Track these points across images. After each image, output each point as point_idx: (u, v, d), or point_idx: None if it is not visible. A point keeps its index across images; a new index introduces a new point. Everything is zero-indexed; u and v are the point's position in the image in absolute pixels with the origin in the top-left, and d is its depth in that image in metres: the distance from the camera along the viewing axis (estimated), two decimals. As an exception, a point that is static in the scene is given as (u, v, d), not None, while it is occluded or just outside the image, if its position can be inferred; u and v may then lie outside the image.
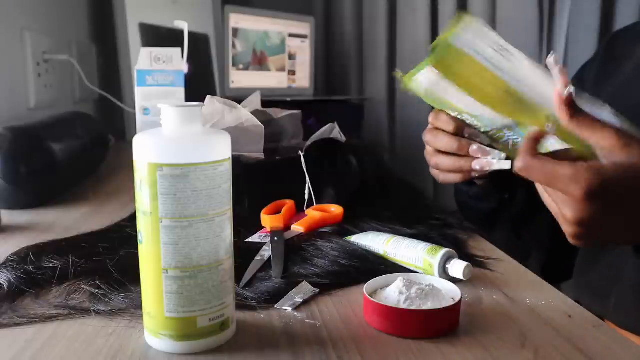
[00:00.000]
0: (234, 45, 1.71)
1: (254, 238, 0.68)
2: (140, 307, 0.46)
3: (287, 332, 0.47)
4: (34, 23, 1.22)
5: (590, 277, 0.81)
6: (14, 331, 0.47)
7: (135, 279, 0.48)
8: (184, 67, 0.97)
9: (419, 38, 2.05)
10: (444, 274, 0.57)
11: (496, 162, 0.64)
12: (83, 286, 0.54)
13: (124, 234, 0.67)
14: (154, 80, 0.96)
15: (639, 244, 0.59)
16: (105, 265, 0.58)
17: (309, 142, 0.83)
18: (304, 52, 1.92)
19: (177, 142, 0.43)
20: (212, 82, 1.79)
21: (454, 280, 0.55)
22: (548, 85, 0.54)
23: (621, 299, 0.73)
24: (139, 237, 0.44)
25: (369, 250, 0.64)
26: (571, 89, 0.51)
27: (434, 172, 0.72)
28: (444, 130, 0.67)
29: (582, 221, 0.49)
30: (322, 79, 2.08)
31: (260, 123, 0.82)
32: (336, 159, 0.82)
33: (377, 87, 2.06)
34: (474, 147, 0.65)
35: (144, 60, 0.95)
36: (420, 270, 0.59)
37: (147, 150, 0.42)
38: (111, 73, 1.58)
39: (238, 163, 0.75)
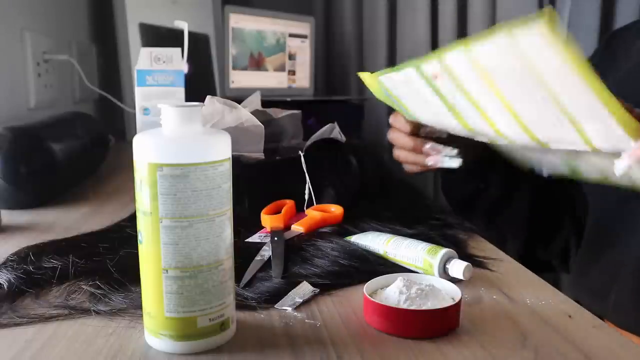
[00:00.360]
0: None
1: (254, 238, 0.68)
2: (140, 307, 0.46)
3: (287, 332, 0.47)
4: (34, 23, 1.22)
5: (589, 276, 0.81)
6: (14, 331, 0.47)
7: (135, 279, 0.48)
8: (184, 67, 0.97)
9: (419, 38, 2.05)
10: (444, 274, 0.57)
11: (447, 159, 0.71)
12: (83, 286, 0.54)
13: (124, 234, 0.67)
14: (154, 80, 0.96)
15: None
16: (105, 265, 0.58)
17: (309, 142, 0.83)
18: (304, 52, 1.92)
19: (177, 142, 0.43)
20: (212, 82, 1.79)
21: (454, 280, 0.55)
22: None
23: (620, 299, 0.73)
24: (139, 237, 0.44)
25: (369, 250, 0.64)
26: None
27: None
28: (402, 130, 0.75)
29: None
30: (322, 79, 2.08)
31: (260, 123, 0.82)
32: (336, 159, 0.82)
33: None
34: (427, 146, 0.72)
35: (144, 60, 0.95)
36: (420, 270, 0.59)
37: (147, 150, 0.42)
38: (111, 73, 1.58)
39: (238, 163, 0.75)
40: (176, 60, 0.96)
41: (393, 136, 0.77)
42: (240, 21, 1.73)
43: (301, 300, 0.52)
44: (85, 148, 1.00)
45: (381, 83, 0.66)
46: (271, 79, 1.85)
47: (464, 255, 0.61)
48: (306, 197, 0.77)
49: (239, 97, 0.99)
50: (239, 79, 1.75)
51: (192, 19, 1.62)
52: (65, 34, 1.40)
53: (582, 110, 0.48)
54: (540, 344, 0.45)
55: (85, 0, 1.58)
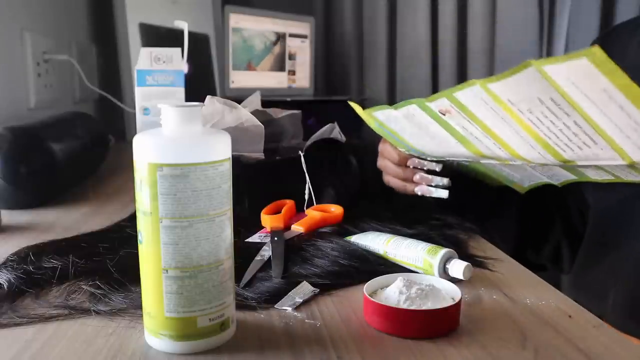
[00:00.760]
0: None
1: (254, 238, 0.68)
2: (140, 307, 0.46)
3: (287, 332, 0.47)
4: (34, 23, 1.22)
5: (588, 278, 0.81)
6: (14, 331, 0.47)
7: (135, 279, 0.48)
8: (184, 67, 0.97)
9: (419, 38, 2.05)
10: (444, 274, 0.57)
11: (435, 190, 0.73)
12: (83, 286, 0.54)
13: (124, 234, 0.67)
14: (154, 80, 0.96)
15: None
16: (105, 265, 0.58)
17: (309, 142, 0.83)
18: (304, 52, 1.92)
19: (177, 142, 0.43)
20: (212, 82, 1.79)
21: (454, 280, 0.55)
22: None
23: (618, 300, 0.73)
24: (139, 237, 0.44)
25: (369, 250, 0.64)
26: None
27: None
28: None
29: None
30: (322, 79, 2.08)
31: (260, 123, 0.82)
32: (336, 159, 0.82)
33: (377, 87, 2.06)
34: (416, 177, 0.75)
35: (144, 60, 0.95)
36: (420, 270, 0.58)
37: (147, 150, 0.42)
38: (111, 73, 1.58)
39: (238, 163, 0.75)
40: (176, 60, 0.96)
41: (382, 164, 0.79)
42: (240, 21, 1.73)
43: (301, 300, 0.52)
44: (85, 148, 1.00)
45: (375, 118, 0.68)
46: (271, 79, 1.85)
47: (464, 255, 0.61)
48: (306, 197, 0.77)
49: (239, 97, 0.99)
50: (239, 79, 1.75)
51: (192, 19, 1.62)
52: (65, 34, 1.40)
53: (623, 129, 0.49)
54: (540, 344, 0.45)
55: (85, 0, 1.58)
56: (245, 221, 0.71)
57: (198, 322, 0.43)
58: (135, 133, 0.46)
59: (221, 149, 0.43)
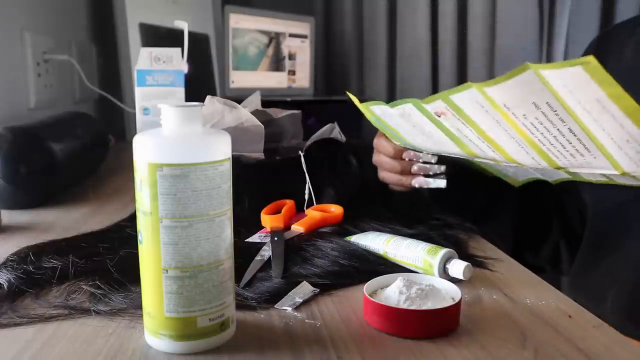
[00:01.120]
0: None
1: (254, 238, 0.68)
2: (140, 307, 0.46)
3: (287, 332, 0.47)
4: (34, 23, 1.22)
5: (587, 280, 0.81)
6: (14, 331, 0.47)
7: (135, 279, 0.48)
8: (184, 67, 0.97)
9: (419, 38, 2.05)
10: (444, 274, 0.57)
11: (432, 181, 0.72)
12: (83, 286, 0.54)
13: (124, 234, 0.67)
14: (154, 80, 0.96)
15: None
16: (105, 265, 0.58)
17: (309, 142, 0.83)
18: (304, 52, 1.92)
19: (177, 142, 0.43)
20: (212, 82, 1.79)
21: (454, 280, 0.55)
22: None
23: (617, 303, 0.73)
24: (139, 237, 0.44)
25: (369, 250, 0.64)
26: None
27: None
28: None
29: None
30: (322, 79, 2.08)
31: (260, 123, 0.82)
32: (336, 159, 0.82)
33: (377, 87, 2.06)
34: (415, 167, 0.73)
35: (144, 60, 0.95)
36: (420, 270, 0.58)
37: (147, 150, 0.42)
38: (111, 73, 1.58)
39: (238, 163, 0.75)
40: (176, 60, 0.96)
41: (377, 159, 0.78)
42: (240, 21, 1.73)
43: (301, 300, 0.52)
44: (85, 148, 1.00)
45: (372, 111, 0.68)
46: (271, 79, 1.85)
47: (464, 255, 0.61)
48: (306, 197, 0.77)
49: (239, 97, 0.99)
50: (239, 79, 1.75)
51: (192, 19, 1.62)
52: (65, 34, 1.40)
53: (616, 139, 0.50)
54: (540, 344, 0.45)
55: (85, 0, 1.58)
56: (245, 221, 0.71)
57: (198, 322, 0.43)
58: (135, 133, 0.46)
59: (221, 149, 0.43)
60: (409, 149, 0.74)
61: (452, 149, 0.65)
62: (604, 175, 0.61)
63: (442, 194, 0.81)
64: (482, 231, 0.74)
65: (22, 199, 0.84)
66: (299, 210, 0.77)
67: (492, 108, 0.53)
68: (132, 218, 0.71)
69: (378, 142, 0.78)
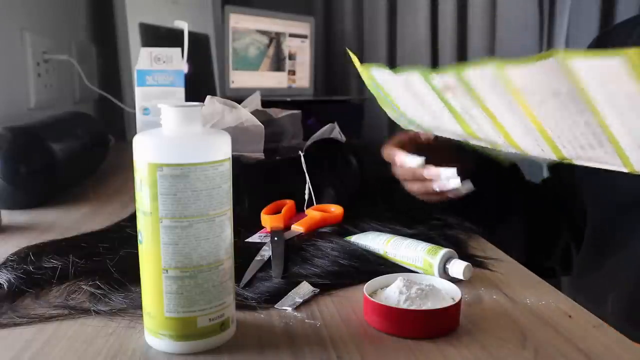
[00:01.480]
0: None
1: (254, 238, 0.68)
2: (140, 307, 0.46)
3: (287, 332, 0.47)
4: (34, 23, 1.22)
5: (587, 283, 0.81)
6: (14, 331, 0.47)
7: (135, 279, 0.48)
8: (184, 67, 0.97)
9: (419, 38, 2.05)
10: (444, 274, 0.57)
11: (449, 182, 0.69)
12: (83, 286, 0.54)
13: (124, 234, 0.67)
14: (154, 80, 0.96)
15: None
16: (105, 265, 0.58)
17: (309, 142, 0.83)
18: (304, 52, 1.92)
19: (177, 142, 0.43)
20: (212, 82, 1.79)
21: (454, 280, 0.55)
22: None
23: (617, 305, 0.73)
24: (139, 237, 0.44)
25: (369, 250, 0.64)
26: None
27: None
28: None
29: None
30: (322, 79, 2.08)
31: (260, 123, 0.82)
32: (336, 159, 0.82)
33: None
34: (425, 172, 0.69)
35: (144, 60, 0.95)
36: (420, 270, 0.58)
37: (147, 150, 0.42)
38: (111, 73, 1.58)
39: (238, 163, 0.75)
40: (176, 60, 0.96)
41: (397, 172, 0.75)
42: (240, 21, 1.73)
43: (301, 300, 0.52)
44: (85, 148, 1.00)
45: (372, 76, 0.64)
46: (271, 79, 1.85)
47: (464, 255, 0.61)
48: (306, 197, 0.77)
49: (239, 97, 0.99)
50: (239, 79, 1.75)
51: (192, 19, 1.62)
52: (65, 34, 1.40)
53: (637, 138, 0.47)
54: (540, 344, 0.45)
55: (85, 0, 1.58)
56: (245, 221, 0.71)
57: (198, 322, 0.43)
58: (135, 133, 0.46)
59: (221, 149, 0.43)
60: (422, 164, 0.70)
61: (451, 127, 0.62)
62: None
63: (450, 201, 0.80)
64: (496, 237, 0.74)
65: (22, 199, 0.84)
66: (299, 210, 0.77)
67: (506, 90, 0.50)
68: (132, 218, 0.71)
69: (386, 152, 0.74)
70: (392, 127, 2.10)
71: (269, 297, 0.53)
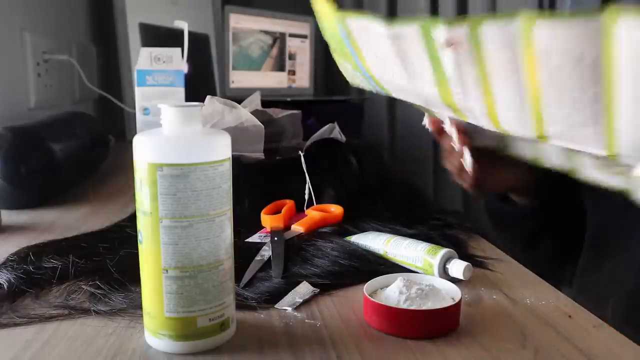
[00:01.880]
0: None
1: (254, 238, 0.68)
2: (140, 307, 0.46)
3: (287, 332, 0.47)
4: (34, 23, 1.22)
5: (589, 283, 0.81)
6: (14, 331, 0.47)
7: (135, 279, 0.48)
8: (184, 67, 0.97)
9: (419, 38, 2.05)
10: (444, 274, 0.57)
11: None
12: (83, 286, 0.54)
13: (124, 234, 0.67)
14: (154, 80, 0.96)
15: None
16: (105, 265, 0.58)
17: (309, 142, 0.83)
18: (304, 52, 1.92)
19: (177, 142, 0.43)
20: (212, 82, 1.79)
21: (454, 280, 0.55)
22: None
23: (617, 309, 0.73)
24: (139, 237, 0.44)
25: (369, 250, 0.64)
26: None
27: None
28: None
29: None
30: (322, 79, 2.08)
31: (260, 123, 0.82)
32: (336, 159, 0.82)
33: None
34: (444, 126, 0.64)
35: (144, 60, 0.96)
36: (420, 270, 0.58)
37: (147, 150, 0.42)
38: (111, 73, 1.58)
39: (238, 163, 0.75)
40: (176, 60, 0.96)
41: (449, 163, 0.71)
42: (241, 21, 1.73)
43: (301, 300, 0.52)
44: (85, 148, 1.00)
45: (345, 23, 0.55)
46: (271, 79, 1.85)
47: (464, 255, 0.61)
48: (306, 197, 0.77)
49: (239, 97, 0.99)
50: (239, 79, 1.75)
51: (192, 19, 1.62)
52: (65, 34, 1.40)
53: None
54: (540, 344, 0.45)
55: (85, 0, 1.58)
56: (245, 221, 0.71)
57: (198, 322, 0.43)
58: (135, 133, 0.46)
59: (221, 149, 0.43)
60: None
61: (426, 90, 0.56)
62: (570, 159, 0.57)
63: (513, 222, 0.79)
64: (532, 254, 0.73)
65: (22, 199, 0.84)
66: (299, 210, 0.77)
67: (523, 50, 0.45)
68: (132, 218, 0.71)
69: (456, 153, 0.69)
70: (393, 127, 2.10)
71: (269, 297, 0.53)
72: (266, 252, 0.62)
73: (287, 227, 0.71)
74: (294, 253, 0.62)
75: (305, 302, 0.52)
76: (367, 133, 1.84)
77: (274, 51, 1.83)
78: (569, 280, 0.89)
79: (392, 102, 2.07)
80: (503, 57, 0.47)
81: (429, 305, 0.48)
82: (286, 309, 0.51)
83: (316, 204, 0.77)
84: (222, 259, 0.44)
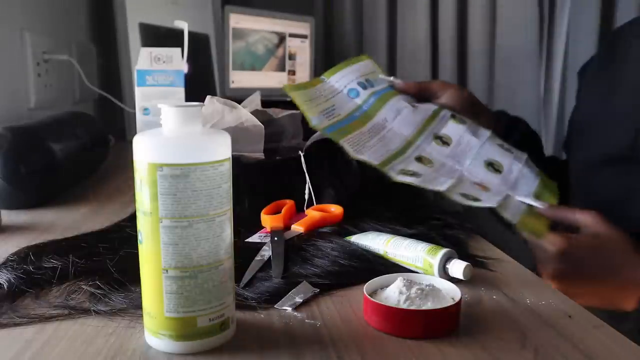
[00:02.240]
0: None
1: (254, 238, 0.68)
2: (140, 307, 0.46)
3: (287, 332, 0.47)
4: (34, 23, 1.22)
5: None
6: (14, 331, 0.47)
7: (135, 279, 0.48)
8: (184, 67, 0.97)
9: (419, 38, 2.05)
10: (444, 274, 0.57)
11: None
12: (83, 286, 0.54)
13: (124, 234, 0.67)
14: (154, 80, 0.96)
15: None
16: (105, 265, 0.58)
17: (309, 142, 0.83)
18: (304, 52, 1.92)
19: (177, 142, 0.43)
20: (212, 82, 1.79)
21: (454, 280, 0.55)
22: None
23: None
24: (139, 237, 0.44)
25: (369, 250, 0.64)
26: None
27: None
28: None
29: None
30: (322, 79, 2.07)
31: (260, 123, 0.82)
32: (336, 159, 0.82)
33: (377, 87, 2.06)
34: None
35: (144, 60, 0.96)
36: (420, 270, 0.59)
37: (147, 150, 0.42)
38: (111, 73, 1.58)
39: (238, 163, 0.75)
40: (176, 60, 0.96)
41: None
42: (241, 21, 1.73)
43: (301, 300, 0.52)
44: (85, 148, 1.00)
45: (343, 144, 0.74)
46: (271, 79, 1.85)
47: (464, 255, 0.61)
48: (306, 197, 0.77)
49: (239, 97, 0.99)
50: (239, 79, 1.75)
51: (192, 19, 1.62)
52: (65, 34, 1.40)
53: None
54: (540, 344, 0.45)
55: (85, 0, 1.58)
56: (245, 221, 0.71)
57: (198, 322, 0.43)
58: (135, 133, 0.46)
59: (221, 149, 0.43)
60: None
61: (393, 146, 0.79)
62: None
63: None
64: None
65: (22, 199, 0.84)
66: (299, 210, 0.77)
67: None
68: (132, 218, 0.71)
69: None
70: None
71: (269, 297, 0.53)
72: (266, 252, 0.62)
73: (287, 227, 0.71)
74: (294, 253, 0.62)
75: (305, 302, 0.52)
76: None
77: (280, 52, 1.83)
78: None
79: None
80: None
81: (429, 305, 0.48)
82: (286, 309, 0.51)
83: (316, 204, 0.77)
84: (222, 259, 0.44)
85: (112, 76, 1.58)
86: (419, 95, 0.90)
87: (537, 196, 0.77)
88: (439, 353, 0.44)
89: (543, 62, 2.09)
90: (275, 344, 0.45)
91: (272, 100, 1.39)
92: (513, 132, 0.94)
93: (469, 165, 0.79)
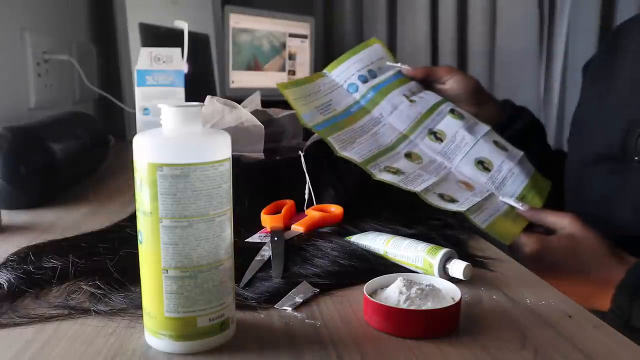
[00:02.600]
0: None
1: (254, 238, 0.68)
2: (140, 307, 0.46)
3: (287, 332, 0.47)
4: (34, 23, 1.22)
5: None
6: (14, 331, 0.47)
7: (135, 279, 0.48)
8: (184, 67, 0.97)
9: (419, 38, 2.05)
10: (444, 274, 0.57)
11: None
12: (83, 286, 0.54)
13: (124, 234, 0.67)
14: (154, 80, 0.96)
15: None
16: (105, 265, 0.57)
17: (309, 142, 0.83)
18: (304, 52, 1.92)
19: (177, 142, 0.43)
20: (212, 82, 1.79)
21: (454, 280, 0.55)
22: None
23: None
24: (139, 237, 0.44)
25: (369, 250, 0.64)
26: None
27: None
28: None
29: None
30: (322, 79, 2.07)
31: (260, 123, 0.82)
32: (336, 159, 0.82)
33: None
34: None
35: (144, 60, 0.96)
36: (420, 270, 0.59)
37: (147, 150, 0.42)
38: (111, 73, 1.58)
39: (238, 163, 0.75)
40: (176, 60, 0.96)
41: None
42: (241, 21, 1.73)
43: (301, 300, 0.52)
44: (85, 148, 1.00)
45: (330, 142, 0.77)
46: (271, 79, 1.85)
47: (464, 255, 0.61)
48: (306, 197, 0.77)
49: (239, 97, 0.99)
50: (239, 79, 1.75)
51: (192, 19, 1.62)
52: (65, 34, 1.40)
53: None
54: (540, 344, 0.45)
55: (85, 0, 1.58)
56: (245, 221, 0.71)
57: (198, 322, 0.43)
58: (135, 133, 0.46)
59: (221, 149, 0.43)
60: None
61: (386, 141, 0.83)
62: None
63: None
64: None
65: (22, 199, 0.84)
66: (299, 210, 0.77)
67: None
68: (132, 218, 0.71)
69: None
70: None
71: (269, 297, 0.53)
72: (266, 252, 0.62)
73: (287, 227, 0.71)
74: (294, 253, 0.62)
75: (305, 302, 0.52)
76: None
77: (285, 53, 1.84)
78: None
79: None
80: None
81: (429, 305, 0.48)
82: (286, 309, 0.51)
83: (316, 204, 0.77)
84: (222, 259, 0.44)
85: (112, 76, 1.58)
86: (426, 80, 0.91)
87: (522, 197, 0.79)
88: (439, 353, 0.44)
89: (543, 63, 2.09)
90: (275, 344, 0.45)
91: (272, 100, 1.38)
92: (517, 121, 0.94)
93: (459, 162, 0.80)
